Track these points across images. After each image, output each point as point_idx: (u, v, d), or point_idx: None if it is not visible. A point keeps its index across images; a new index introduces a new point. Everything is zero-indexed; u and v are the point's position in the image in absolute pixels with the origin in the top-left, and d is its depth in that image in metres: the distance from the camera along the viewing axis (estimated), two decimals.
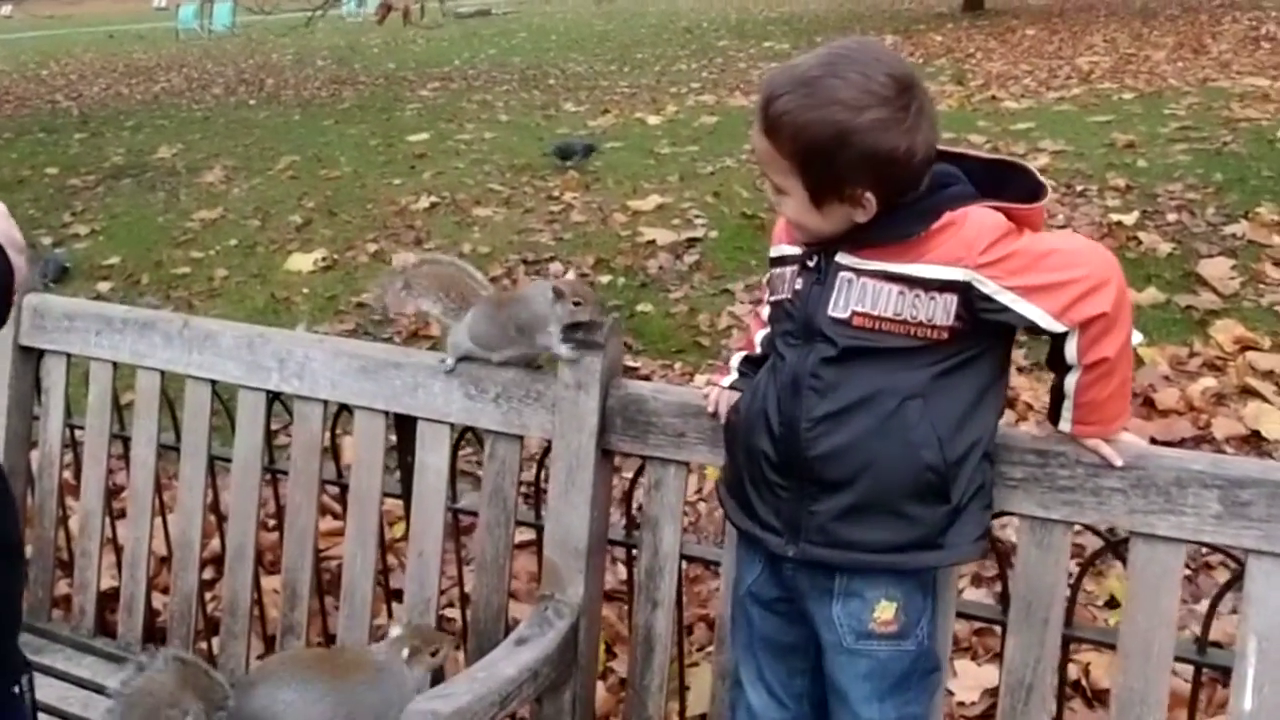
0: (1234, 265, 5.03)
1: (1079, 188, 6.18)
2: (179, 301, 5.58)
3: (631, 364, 4.43)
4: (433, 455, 2.20)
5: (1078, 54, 11.92)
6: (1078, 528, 1.71)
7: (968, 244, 1.53)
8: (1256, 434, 3.71)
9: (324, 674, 1.61)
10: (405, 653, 1.66)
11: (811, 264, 1.63)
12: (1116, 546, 1.71)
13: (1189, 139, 7.01)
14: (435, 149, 7.98)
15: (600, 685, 2.63)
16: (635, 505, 2.08)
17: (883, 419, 1.55)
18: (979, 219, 1.55)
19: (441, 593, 2.73)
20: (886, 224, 1.56)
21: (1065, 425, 1.61)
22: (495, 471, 2.14)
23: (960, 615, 1.85)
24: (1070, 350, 1.55)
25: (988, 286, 1.52)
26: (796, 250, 1.68)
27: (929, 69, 11.53)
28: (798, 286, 1.65)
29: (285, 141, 8.79)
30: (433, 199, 6.45)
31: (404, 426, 2.30)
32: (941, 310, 1.54)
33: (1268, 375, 4.09)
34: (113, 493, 2.79)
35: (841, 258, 1.60)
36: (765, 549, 1.72)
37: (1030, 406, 3.89)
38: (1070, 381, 1.58)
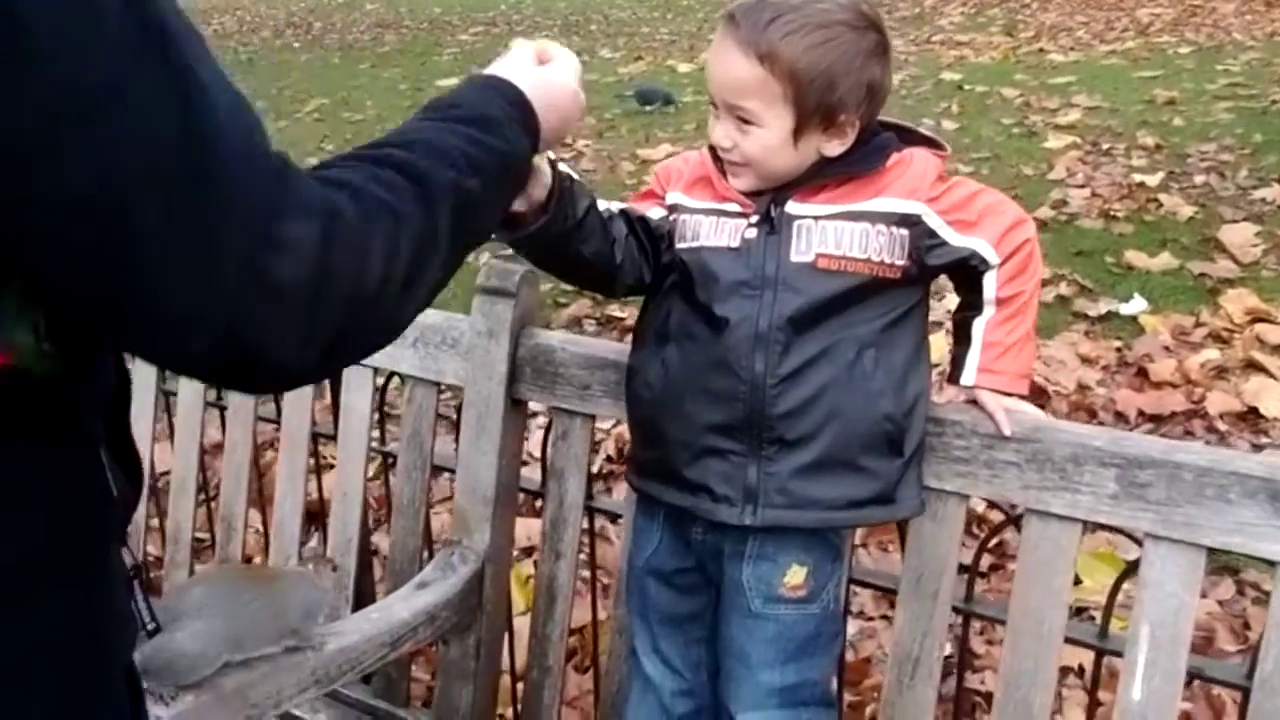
0: (1258, 232, 4.88)
1: (1105, 146, 6.02)
2: None
3: (618, 314, 4.40)
4: (356, 397, 2.20)
5: (1139, 4, 11.57)
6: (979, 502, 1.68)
7: (919, 177, 1.55)
8: (1254, 410, 3.60)
9: (249, 581, 1.64)
10: (310, 566, 1.70)
11: (755, 219, 1.57)
12: (1017, 522, 1.66)
13: (1236, 97, 6.80)
14: None
15: None
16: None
17: (844, 369, 1.53)
18: (923, 158, 1.58)
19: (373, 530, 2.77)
20: (847, 162, 1.56)
21: (968, 375, 1.58)
22: (413, 416, 2.13)
23: (856, 582, 1.83)
24: (989, 285, 1.57)
25: (934, 220, 1.55)
26: (708, 203, 1.61)
27: (980, 19, 11.28)
28: (748, 236, 1.58)
29: (319, 84, 8.80)
30: None
31: None
32: (898, 246, 1.54)
33: (1277, 350, 3.97)
34: None
35: (793, 207, 1.57)
36: (664, 519, 1.70)
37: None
38: (980, 323, 1.58)
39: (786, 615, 1.62)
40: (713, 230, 1.60)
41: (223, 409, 2.49)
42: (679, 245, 1.63)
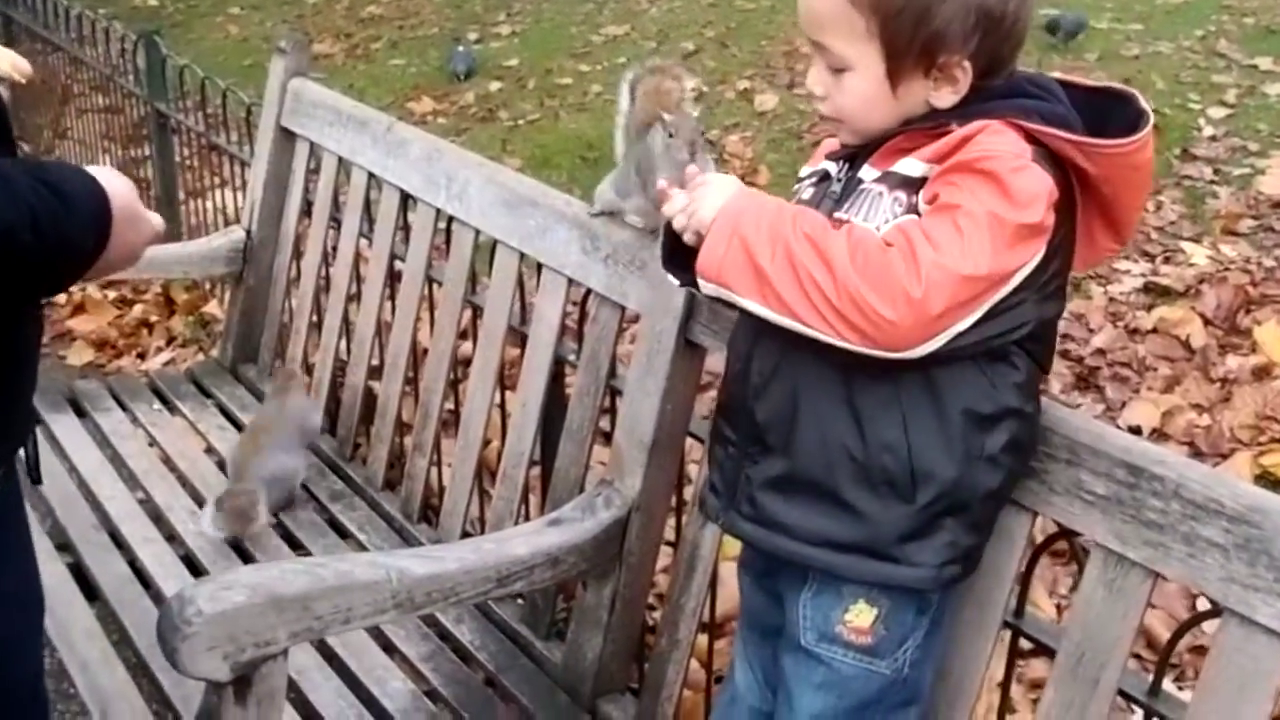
0: None
1: None
2: (549, 110, 5.69)
3: None
4: (548, 303, 2.06)
5: None
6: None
7: (969, 143, 1.20)
8: None
9: None
10: None
11: (816, 181, 1.35)
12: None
13: None
14: None
15: None
16: None
17: (837, 374, 1.24)
18: (1003, 135, 1.20)
19: None
20: (932, 117, 1.25)
21: None
22: (595, 336, 1.96)
23: (1017, 631, 1.47)
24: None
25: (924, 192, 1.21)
26: (815, 166, 1.39)
27: None
28: (804, 197, 1.35)
29: None
30: None
31: None
32: (894, 210, 1.23)
33: None
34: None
35: (866, 171, 1.28)
36: None
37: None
38: None
39: (842, 663, 1.32)
40: (792, 199, 1.37)
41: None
42: None
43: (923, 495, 1.23)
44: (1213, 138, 4.50)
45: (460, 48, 6.60)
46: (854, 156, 1.31)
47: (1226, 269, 3.53)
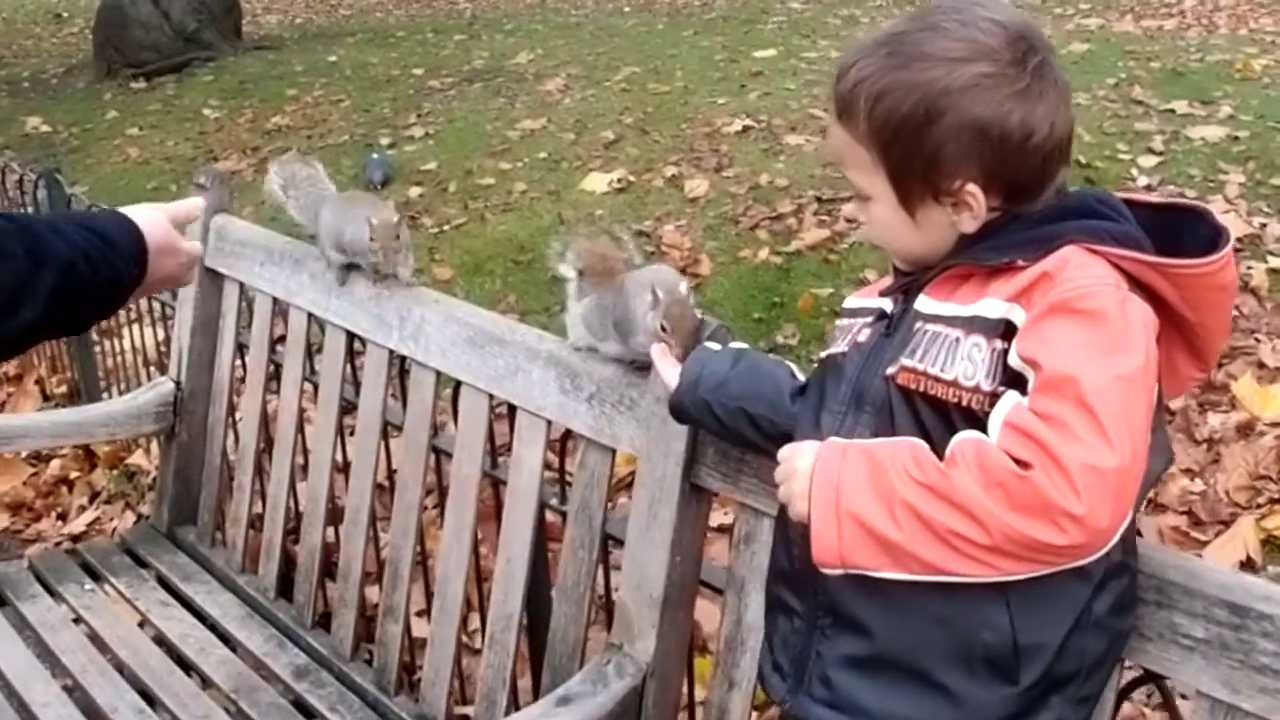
0: None
1: None
2: (474, 213, 5.53)
3: None
4: (528, 450, 1.87)
5: None
6: None
7: (1049, 279, 1.08)
8: None
9: None
10: None
11: (873, 319, 1.23)
12: None
13: None
14: (775, 68, 7.49)
15: None
16: None
17: None
18: (1088, 265, 1.08)
19: None
20: (984, 247, 1.14)
21: None
22: (584, 483, 1.79)
23: None
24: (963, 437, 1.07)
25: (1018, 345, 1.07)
26: (866, 300, 1.29)
27: None
28: (860, 339, 1.23)
29: (636, 52, 8.60)
30: (748, 122, 6.02)
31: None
32: (999, 365, 1.08)
33: None
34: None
35: (924, 303, 1.17)
36: None
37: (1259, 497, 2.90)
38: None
39: None
40: (843, 335, 1.27)
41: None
42: (823, 353, 1.32)
43: (1028, 674, 1.08)
44: (1149, 187, 4.48)
45: (374, 155, 6.43)
46: (908, 290, 1.21)
47: None
